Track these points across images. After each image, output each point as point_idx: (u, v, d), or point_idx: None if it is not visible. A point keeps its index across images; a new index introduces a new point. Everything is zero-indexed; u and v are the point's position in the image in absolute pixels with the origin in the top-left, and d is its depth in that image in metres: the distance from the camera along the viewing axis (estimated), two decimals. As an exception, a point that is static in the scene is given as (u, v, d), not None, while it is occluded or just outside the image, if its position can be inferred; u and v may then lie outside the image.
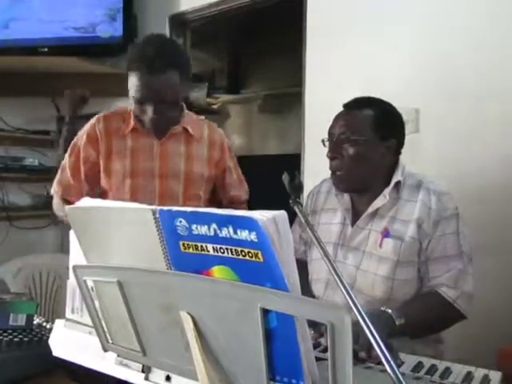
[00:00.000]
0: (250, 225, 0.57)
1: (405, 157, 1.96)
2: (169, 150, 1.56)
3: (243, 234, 0.58)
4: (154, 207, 0.67)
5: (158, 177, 1.55)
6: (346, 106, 1.34)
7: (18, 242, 2.90)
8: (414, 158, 1.89)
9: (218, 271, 0.64)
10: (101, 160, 1.56)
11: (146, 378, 0.85)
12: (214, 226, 0.61)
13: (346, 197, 1.37)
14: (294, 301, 0.58)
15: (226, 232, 0.60)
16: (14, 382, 1.05)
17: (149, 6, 2.77)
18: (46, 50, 2.75)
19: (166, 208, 0.66)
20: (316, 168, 1.99)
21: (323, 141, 1.34)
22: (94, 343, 0.92)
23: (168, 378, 0.83)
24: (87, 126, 1.59)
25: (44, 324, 1.29)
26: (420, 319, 1.15)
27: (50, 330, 1.22)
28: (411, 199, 1.28)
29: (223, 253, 0.62)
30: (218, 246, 0.62)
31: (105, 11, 2.67)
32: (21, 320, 1.20)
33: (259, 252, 0.58)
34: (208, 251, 0.63)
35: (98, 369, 0.91)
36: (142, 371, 0.85)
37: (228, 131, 4.16)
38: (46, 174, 3.16)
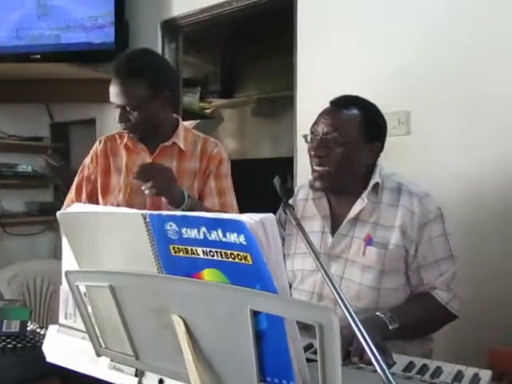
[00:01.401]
0: (238, 228, 0.58)
1: (395, 159, 1.98)
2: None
3: (232, 237, 0.59)
4: (144, 212, 0.68)
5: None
6: (333, 103, 1.31)
7: (11, 248, 2.90)
8: (404, 161, 1.91)
9: (208, 274, 0.64)
10: (99, 177, 1.61)
11: (140, 382, 0.86)
12: (203, 229, 0.61)
13: (324, 202, 1.34)
14: (283, 302, 0.59)
15: (216, 235, 0.60)
16: (8, 388, 1.05)
17: (141, 12, 2.78)
18: (38, 56, 2.75)
19: (155, 212, 0.66)
20: (308, 171, 2.01)
21: (305, 136, 1.31)
22: (88, 348, 0.92)
23: (161, 382, 0.84)
24: (93, 147, 1.67)
25: (38, 330, 1.30)
26: (413, 322, 1.15)
27: (44, 336, 1.22)
28: (392, 203, 1.26)
29: (213, 256, 0.62)
30: (208, 249, 0.62)
31: (97, 17, 2.68)
32: (14, 326, 1.20)
33: (248, 255, 0.59)
34: (198, 254, 0.64)
35: (92, 374, 0.92)
36: (136, 375, 0.85)
37: (221, 135, 4.17)
38: (40, 180, 3.17)
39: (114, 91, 1.46)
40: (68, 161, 3.35)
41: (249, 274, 0.60)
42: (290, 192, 1.07)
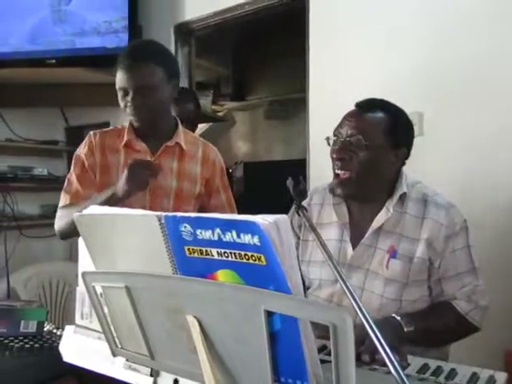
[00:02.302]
0: (252, 229, 0.58)
1: (409, 160, 1.97)
2: (161, 165, 1.56)
3: (246, 238, 0.60)
4: (159, 213, 0.69)
5: (148, 193, 1.55)
6: (358, 105, 1.27)
7: (27, 250, 2.94)
8: (417, 162, 1.89)
9: (222, 275, 0.65)
10: (97, 174, 1.58)
11: (155, 382, 0.87)
12: (217, 230, 0.62)
13: (344, 209, 1.30)
14: (296, 303, 0.59)
15: (230, 236, 0.61)
16: (26, 388, 1.07)
17: (154, 16, 2.81)
18: (53, 61, 2.79)
19: (171, 214, 0.67)
20: (321, 173, 2.01)
21: (328, 138, 1.27)
22: (103, 348, 0.93)
23: (176, 382, 0.85)
24: (85, 140, 1.63)
25: (54, 331, 1.31)
26: (429, 328, 1.13)
27: (60, 336, 1.24)
28: (418, 215, 1.22)
29: (227, 257, 0.63)
30: (222, 251, 0.63)
31: (110, 22, 2.71)
32: (31, 327, 1.22)
33: (262, 255, 0.60)
34: (212, 255, 0.65)
35: (108, 373, 0.93)
36: (151, 375, 0.87)
37: (233, 138, 4.19)
38: (55, 183, 3.21)
39: (126, 75, 1.47)
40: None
41: (263, 274, 0.61)
42: (303, 194, 1.07)
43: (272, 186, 1.93)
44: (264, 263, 0.60)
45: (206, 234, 0.64)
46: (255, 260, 0.61)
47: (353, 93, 1.84)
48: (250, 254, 0.61)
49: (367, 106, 1.25)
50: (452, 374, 0.90)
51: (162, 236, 0.69)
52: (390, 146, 1.23)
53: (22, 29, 2.82)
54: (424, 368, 0.93)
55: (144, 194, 1.53)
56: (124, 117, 2.97)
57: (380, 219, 1.23)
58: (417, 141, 1.90)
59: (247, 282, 0.63)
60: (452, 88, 1.85)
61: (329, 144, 1.28)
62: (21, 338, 1.20)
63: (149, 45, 1.62)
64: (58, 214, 1.65)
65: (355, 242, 1.26)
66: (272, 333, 0.63)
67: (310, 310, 0.59)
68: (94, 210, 0.82)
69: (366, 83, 2.03)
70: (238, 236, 0.60)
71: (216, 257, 0.64)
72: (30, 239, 3.00)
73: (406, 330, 1.06)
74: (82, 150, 1.62)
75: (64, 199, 1.63)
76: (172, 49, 2.78)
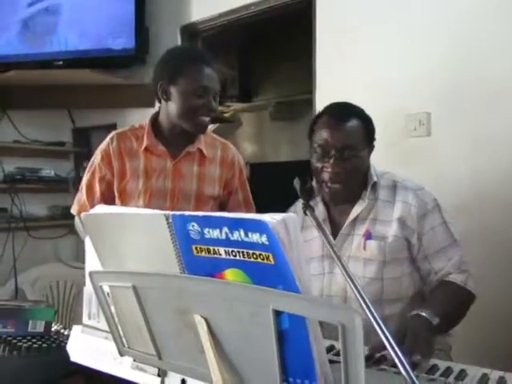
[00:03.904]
0: (260, 228, 0.58)
1: (416, 160, 1.97)
2: (181, 170, 1.56)
3: (254, 237, 0.59)
4: (166, 212, 0.69)
5: (169, 198, 1.55)
6: (337, 117, 1.31)
7: (35, 251, 2.95)
8: (425, 162, 1.89)
9: (230, 274, 0.65)
10: (115, 180, 1.56)
11: (162, 382, 0.87)
12: (225, 229, 0.62)
13: (321, 206, 1.37)
14: (305, 302, 0.59)
15: (238, 235, 0.61)
16: (33, 387, 1.07)
17: (160, 18, 2.81)
18: (61, 63, 2.81)
19: (178, 213, 0.67)
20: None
21: (315, 148, 1.30)
22: (111, 348, 0.93)
23: (183, 382, 0.84)
24: (102, 145, 1.60)
25: (62, 331, 1.32)
26: (447, 312, 1.13)
27: (68, 336, 1.24)
28: (389, 200, 1.31)
29: (235, 256, 0.63)
30: (230, 249, 0.63)
31: (117, 24, 2.72)
32: (39, 327, 1.23)
33: (270, 254, 0.59)
34: (220, 254, 0.64)
35: (115, 373, 0.93)
36: (158, 375, 0.87)
37: (240, 139, 4.19)
38: (62, 184, 3.23)
39: (212, 76, 1.49)
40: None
41: (271, 273, 0.60)
42: (310, 193, 1.07)
43: (278, 186, 1.93)
44: (272, 262, 0.60)
45: (214, 233, 0.63)
46: (263, 259, 0.60)
47: (359, 93, 1.84)
48: (258, 252, 0.60)
49: (344, 115, 1.31)
50: (462, 375, 0.89)
51: (170, 235, 0.69)
52: (368, 147, 1.33)
53: (29, 31, 2.84)
54: (433, 369, 0.92)
55: (164, 198, 1.54)
56: (130, 118, 2.99)
57: (356, 211, 1.31)
58: (425, 141, 1.91)
59: (255, 282, 0.63)
60: (459, 87, 1.84)
61: (316, 152, 1.30)
62: (29, 337, 1.20)
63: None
64: (75, 219, 1.67)
65: (335, 234, 1.34)
66: (280, 332, 0.62)
67: (319, 310, 0.58)
68: (101, 209, 0.82)
69: (373, 84, 2.02)
70: (246, 235, 0.60)
71: (224, 256, 0.64)
72: (37, 240, 3.01)
73: (434, 323, 1.05)
74: (96, 158, 1.60)
75: (74, 207, 1.65)
76: (178, 50, 2.78)
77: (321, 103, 2.26)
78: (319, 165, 1.29)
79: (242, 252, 0.62)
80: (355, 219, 1.32)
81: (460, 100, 1.83)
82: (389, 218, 1.29)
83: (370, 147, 1.35)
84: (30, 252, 2.89)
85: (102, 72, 2.80)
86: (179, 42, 2.77)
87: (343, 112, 1.32)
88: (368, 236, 1.28)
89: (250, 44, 4.02)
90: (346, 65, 2.15)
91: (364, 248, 1.28)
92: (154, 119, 1.59)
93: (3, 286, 2.73)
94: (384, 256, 1.26)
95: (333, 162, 1.26)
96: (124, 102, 2.95)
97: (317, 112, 2.24)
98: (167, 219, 0.68)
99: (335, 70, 2.19)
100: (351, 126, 1.29)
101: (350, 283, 0.79)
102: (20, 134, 3.08)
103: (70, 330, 1.27)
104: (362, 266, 1.28)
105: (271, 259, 0.59)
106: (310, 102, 2.43)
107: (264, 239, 0.58)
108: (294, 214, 0.59)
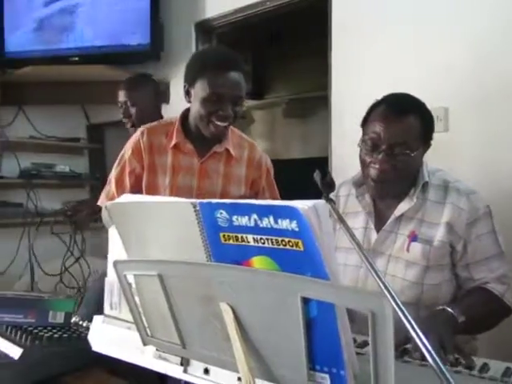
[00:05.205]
0: (291, 214, 0.58)
1: (434, 156, 1.95)
2: (208, 169, 1.58)
3: (284, 224, 0.59)
4: (194, 200, 0.69)
5: (194, 196, 1.55)
6: (394, 108, 1.22)
7: (50, 246, 2.97)
8: (442, 158, 1.87)
9: (258, 262, 0.65)
10: (144, 174, 1.58)
11: (185, 371, 0.87)
12: (254, 216, 0.62)
13: (368, 199, 1.33)
14: (334, 289, 0.59)
15: (267, 222, 0.61)
16: (55, 376, 1.08)
17: (175, 14, 2.82)
18: (76, 59, 2.83)
19: (206, 201, 0.67)
20: (343, 171, 2.00)
21: (365, 140, 1.24)
22: (133, 338, 0.94)
23: (206, 371, 0.85)
24: (133, 139, 1.62)
25: (80, 322, 1.33)
26: (476, 315, 1.12)
27: (87, 328, 1.26)
28: (439, 201, 1.24)
29: (263, 243, 0.63)
30: (259, 237, 0.63)
31: (132, 20, 2.73)
32: (59, 317, 1.23)
33: (300, 241, 0.59)
34: (248, 242, 0.64)
35: (137, 363, 0.93)
36: (181, 364, 0.87)
37: (252, 136, 4.18)
38: (77, 180, 3.26)
39: (229, 82, 1.44)
40: (103, 161, 3.43)
41: (300, 260, 0.60)
42: (331, 186, 1.06)
43: (290, 183, 1.93)
44: (301, 249, 0.59)
45: (243, 220, 0.63)
46: (292, 246, 0.60)
47: (376, 89, 1.83)
48: (287, 239, 0.60)
49: (403, 108, 1.23)
50: (485, 368, 0.89)
51: (197, 223, 0.69)
52: (424, 146, 1.26)
53: (45, 27, 2.87)
54: (456, 363, 0.92)
55: (189, 196, 1.54)
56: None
57: (402, 208, 1.26)
58: (442, 136, 1.90)
59: (283, 269, 0.63)
60: (477, 82, 1.82)
61: (367, 145, 1.23)
62: (49, 328, 1.21)
63: (235, 53, 1.56)
64: (102, 212, 1.68)
65: (379, 229, 1.30)
66: (308, 320, 0.62)
67: (349, 297, 0.58)
68: (128, 198, 0.82)
69: (390, 79, 2.01)
70: (276, 222, 0.60)
71: (252, 243, 0.64)
72: (52, 235, 3.04)
73: (459, 320, 1.04)
74: (127, 152, 1.61)
75: (101, 199, 1.66)
76: (193, 47, 2.79)
77: (337, 100, 2.28)
78: (367, 159, 1.23)
79: (271, 239, 0.62)
80: (400, 217, 1.26)
81: (478, 95, 1.82)
82: (437, 220, 1.22)
83: (426, 146, 1.27)
84: (45, 247, 2.92)
85: (116, 68, 2.82)
86: (193, 39, 2.78)
87: (402, 105, 1.24)
88: (413, 237, 1.23)
89: (263, 41, 4.02)
90: (362, 61, 2.14)
91: (408, 250, 1.23)
92: (184, 116, 1.59)
93: (18, 280, 2.76)
94: (427, 261, 1.21)
95: (381, 157, 1.19)
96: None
97: (332, 109, 2.27)
98: (194, 207, 0.68)
99: (351, 65, 2.19)
100: (408, 122, 1.20)
101: (376, 277, 0.78)
102: (35, 129, 3.11)
103: (88, 322, 1.29)
104: (403, 268, 1.23)
105: (300, 246, 0.59)
106: (322, 99, 2.43)
107: (294, 226, 0.58)
108: (323, 201, 0.59)
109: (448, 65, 1.88)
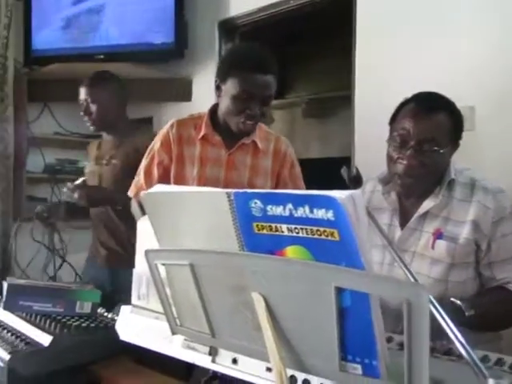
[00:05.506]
0: (327, 203, 0.58)
1: (460, 155, 1.93)
2: (235, 161, 1.60)
3: (320, 213, 0.60)
4: (228, 190, 0.70)
5: (222, 187, 1.56)
6: (424, 105, 1.23)
7: (73, 241, 3.01)
8: (468, 156, 1.85)
9: (291, 251, 0.65)
10: (172, 165, 1.61)
11: (213, 361, 0.88)
12: (289, 206, 0.62)
13: (394, 196, 1.33)
14: (370, 279, 0.59)
15: (302, 212, 0.61)
16: (83, 365, 1.10)
17: (199, 12, 2.84)
18: (101, 57, 2.87)
19: (241, 190, 0.68)
20: (366, 170, 1.98)
21: (394, 136, 1.24)
22: (161, 328, 0.95)
23: (234, 361, 0.86)
24: (162, 131, 1.65)
25: (105, 314, 1.35)
26: (489, 312, 1.12)
27: (112, 318, 1.28)
28: (465, 199, 1.24)
29: (298, 233, 0.63)
30: (293, 226, 0.63)
31: (157, 18, 2.76)
32: (86, 308, 1.26)
33: (335, 231, 0.59)
34: (282, 232, 0.65)
35: (165, 352, 0.95)
36: (209, 354, 0.88)
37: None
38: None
39: (261, 83, 1.46)
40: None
41: (335, 250, 0.61)
42: (358, 181, 1.06)
43: (309, 183, 1.93)
44: (337, 239, 0.60)
45: (277, 210, 0.64)
46: (327, 235, 0.60)
47: (400, 89, 1.82)
48: (322, 229, 0.61)
49: (433, 105, 1.23)
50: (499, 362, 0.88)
51: (230, 212, 0.70)
52: (453, 144, 1.26)
53: (72, 25, 2.91)
54: (485, 359, 0.90)
55: (217, 187, 1.55)
56: (167, 112, 3.03)
57: (427, 205, 1.25)
58: (468, 135, 1.87)
59: (317, 258, 0.63)
60: (504, 81, 1.80)
61: (395, 141, 1.24)
62: (76, 317, 1.23)
63: (268, 53, 1.56)
64: (132, 202, 1.71)
65: (404, 226, 1.30)
66: (341, 310, 0.63)
67: (384, 286, 0.58)
68: (160, 188, 0.83)
69: (415, 79, 2.00)
70: (311, 211, 0.60)
71: (286, 233, 0.65)
72: (75, 229, 3.08)
73: (467, 314, 1.04)
74: (156, 144, 1.65)
75: (132, 190, 1.69)
76: (216, 45, 2.81)
77: (360, 100, 2.27)
78: (395, 155, 1.23)
79: (306, 229, 0.62)
80: (425, 214, 1.26)
81: (504, 94, 1.80)
82: (463, 218, 1.22)
83: (455, 145, 1.27)
84: (69, 241, 2.96)
85: (140, 65, 2.85)
86: (217, 38, 2.80)
87: (432, 102, 1.24)
88: (439, 235, 1.23)
89: (284, 40, 4.02)
90: (386, 60, 2.14)
91: (432, 247, 1.23)
92: (213, 109, 1.62)
93: (41, 273, 2.80)
94: (452, 258, 1.21)
95: (410, 153, 1.19)
96: (161, 95, 3.00)
97: (356, 108, 2.26)
98: (228, 197, 0.69)
99: (375, 65, 2.18)
100: (438, 119, 1.21)
101: (406, 271, 0.78)
102: (60, 126, 3.16)
103: (114, 313, 1.31)
104: (427, 266, 1.23)
105: (336, 235, 0.60)
106: (343, 99, 2.42)
107: (330, 215, 0.59)
108: (359, 191, 0.59)
109: (474, 64, 1.86)
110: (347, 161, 2.32)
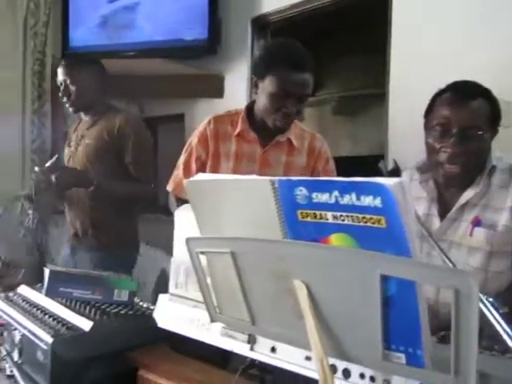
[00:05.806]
0: (375, 190, 0.58)
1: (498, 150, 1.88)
2: (270, 158, 1.62)
3: (367, 200, 0.60)
4: (272, 178, 0.70)
5: None
6: (461, 93, 1.24)
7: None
8: (507, 152, 1.81)
9: (336, 239, 0.65)
10: (209, 160, 1.65)
11: (252, 349, 0.89)
12: (335, 193, 0.63)
13: (432, 185, 1.32)
14: (417, 266, 0.59)
15: (348, 199, 0.61)
16: (121, 351, 1.12)
17: (233, 9, 2.85)
18: (132, 53, 2.91)
19: (285, 178, 0.69)
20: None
21: (433, 126, 1.25)
22: (199, 316, 0.97)
23: (273, 349, 0.86)
24: (200, 127, 1.69)
25: (141, 303, 1.37)
26: None
27: (148, 307, 1.30)
28: (504, 185, 1.23)
29: (343, 220, 0.63)
30: (339, 214, 0.63)
31: (191, 14, 2.78)
32: (124, 296, 1.29)
33: (382, 218, 0.59)
34: (327, 219, 0.65)
35: (204, 340, 0.96)
36: (248, 342, 0.89)
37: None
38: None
39: (299, 81, 1.48)
40: (155, 155, 3.50)
41: (381, 237, 0.61)
42: (397, 173, 1.06)
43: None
44: (384, 226, 0.60)
45: (323, 197, 0.64)
46: (374, 223, 0.60)
47: (436, 88, 1.80)
48: (368, 216, 0.61)
49: (470, 92, 1.23)
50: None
51: (274, 200, 0.70)
52: (492, 130, 1.25)
53: (108, 23, 2.97)
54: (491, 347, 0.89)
55: None
56: (198, 109, 3.05)
57: (467, 195, 1.25)
58: (504, 132, 1.82)
59: (362, 246, 0.63)
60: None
61: (436, 129, 1.24)
62: (114, 305, 1.26)
63: (306, 51, 1.59)
64: (170, 196, 1.77)
65: (442, 217, 1.29)
66: (385, 298, 0.62)
67: (432, 274, 0.58)
68: (203, 176, 0.85)
69: (450, 76, 1.96)
70: (358, 198, 0.60)
71: (331, 220, 0.65)
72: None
73: (500, 311, 1.02)
74: (194, 139, 1.69)
75: (170, 184, 1.73)
76: (248, 42, 2.81)
77: (395, 98, 2.25)
78: (437, 145, 1.23)
79: (351, 216, 0.62)
80: (465, 204, 1.26)
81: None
82: (502, 204, 1.22)
83: (494, 131, 1.27)
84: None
85: (172, 62, 2.88)
86: (249, 34, 2.80)
87: (469, 89, 1.25)
88: (477, 223, 1.22)
89: (316, 36, 4.00)
90: (422, 57, 2.11)
91: (470, 234, 1.22)
92: (250, 106, 1.65)
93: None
94: (491, 246, 1.20)
95: (453, 141, 1.19)
96: (193, 92, 3.03)
97: (390, 107, 2.23)
98: (273, 184, 0.70)
99: (410, 62, 2.15)
100: (477, 105, 1.22)
101: (447, 261, 0.78)
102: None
103: (150, 303, 1.33)
104: (465, 254, 1.23)
105: (383, 223, 0.60)
106: (373, 97, 2.40)
107: (377, 202, 0.59)
108: (407, 178, 0.59)
109: (510, 58, 1.82)
110: (377, 159, 2.30)
